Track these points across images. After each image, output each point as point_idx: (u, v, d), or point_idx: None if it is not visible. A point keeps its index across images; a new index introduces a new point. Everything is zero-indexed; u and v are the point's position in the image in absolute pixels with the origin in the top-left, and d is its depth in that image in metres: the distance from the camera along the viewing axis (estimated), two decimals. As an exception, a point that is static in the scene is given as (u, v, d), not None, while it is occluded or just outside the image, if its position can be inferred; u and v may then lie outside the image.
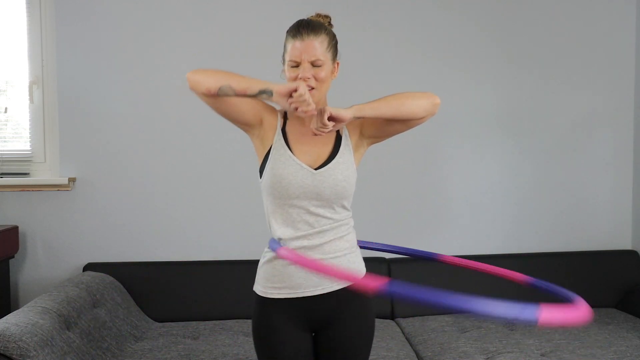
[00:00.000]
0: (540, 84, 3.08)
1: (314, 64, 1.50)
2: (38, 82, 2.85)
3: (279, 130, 1.58)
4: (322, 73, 1.51)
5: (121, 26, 2.85)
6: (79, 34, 2.83)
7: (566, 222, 3.13)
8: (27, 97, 2.86)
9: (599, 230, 3.15)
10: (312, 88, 1.50)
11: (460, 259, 1.83)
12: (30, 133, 2.87)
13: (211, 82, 1.45)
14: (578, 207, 3.14)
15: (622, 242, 3.16)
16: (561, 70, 3.10)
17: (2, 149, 2.89)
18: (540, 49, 3.08)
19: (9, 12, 2.88)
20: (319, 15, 1.63)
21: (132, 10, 2.85)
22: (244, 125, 1.60)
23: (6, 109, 2.91)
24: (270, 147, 1.56)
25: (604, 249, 3.12)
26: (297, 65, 1.51)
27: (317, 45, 1.50)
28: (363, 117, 1.50)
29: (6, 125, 2.95)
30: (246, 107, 1.56)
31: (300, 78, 1.49)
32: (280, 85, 1.43)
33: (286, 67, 1.55)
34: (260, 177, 1.59)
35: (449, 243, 3.04)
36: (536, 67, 3.08)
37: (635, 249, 3.13)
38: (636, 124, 3.14)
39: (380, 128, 1.60)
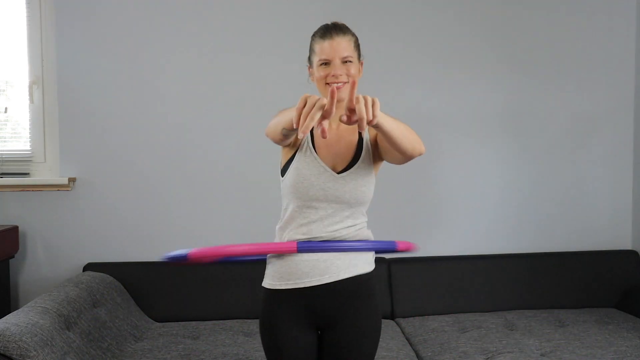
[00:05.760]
0: (540, 83, 3.08)
1: (344, 61, 1.55)
2: (38, 82, 2.85)
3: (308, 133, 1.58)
4: (352, 69, 1.57)
5: (121, 26, 2.85)
6: (79, 34, 2.83)
7: (566, 222, 3.12)
8: (27, 97, 2.86)
9: (598, 230, 3.14)
10: (345, 82, 1.54)
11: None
12: (30, 133, 2.87)
13: (276, 134, 1.49)
14: (578, 207, 3.13)
15: (622, 242, 3.16)
16: (561, 69, 3.09)
17: (2, 149, 2.89)
18: (541, 48, 3.07)
19: (9, 12, 2.88)
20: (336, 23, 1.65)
21: (132, 10, 2.85)
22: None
23: (6, 109, 2.91)
24: (298, 148, 1.59)
25: (604, 249, 3.12)
26: (327, 63, 1.56)
27: (346, 44, 1.57)
28: (378, 128, 1.33)
29: (6, 125, 2.95)
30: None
31: (333, 75, 1.54)
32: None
33: (315, 67, 1.59)
34: (282, 176, 1.62)
35: (448, 243, 3.04)
36: (536, 66, 3.07)
37: (635, 249, 3.13)
38: (636, 124, 3.13)
39: (380, 146, 1.59)
